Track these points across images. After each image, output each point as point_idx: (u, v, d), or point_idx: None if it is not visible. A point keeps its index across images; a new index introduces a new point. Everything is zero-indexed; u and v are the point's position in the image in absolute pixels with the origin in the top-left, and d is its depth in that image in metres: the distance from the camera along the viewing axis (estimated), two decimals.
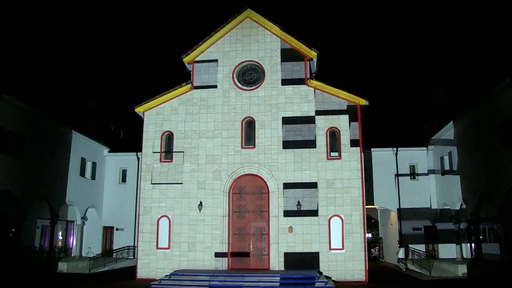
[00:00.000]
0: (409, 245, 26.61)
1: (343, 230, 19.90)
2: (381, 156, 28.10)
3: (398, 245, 26.13)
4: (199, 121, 21.69)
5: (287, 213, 20.28)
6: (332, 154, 20.84)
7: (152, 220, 21.03)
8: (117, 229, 29.07)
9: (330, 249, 19.79)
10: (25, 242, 23.16)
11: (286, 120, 21.16)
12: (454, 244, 25.36)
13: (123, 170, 29.79)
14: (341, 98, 21.19)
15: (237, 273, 18.57)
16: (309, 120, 21.08)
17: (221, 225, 20.55)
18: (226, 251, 20.42)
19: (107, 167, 29.99)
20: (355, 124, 20.89)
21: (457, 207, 24.95)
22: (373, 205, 28.23)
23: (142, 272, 20.59)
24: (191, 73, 22.36)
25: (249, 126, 21.56)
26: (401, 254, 24.78)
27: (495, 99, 20.02)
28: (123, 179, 29.66)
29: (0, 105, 20.14)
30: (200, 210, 20.75)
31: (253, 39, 22.23)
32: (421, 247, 26.53)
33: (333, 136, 21.06)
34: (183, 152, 21.44)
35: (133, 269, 21.36)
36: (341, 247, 19.76)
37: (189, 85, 22.11)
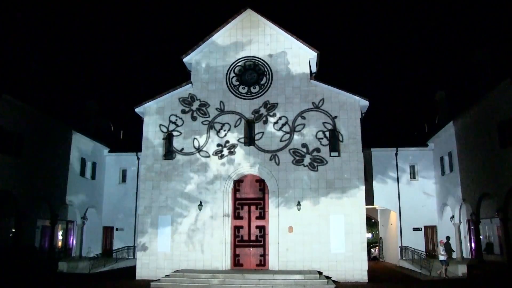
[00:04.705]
0: (408, 245, 26.58)
1: (343, 230, 19.89)
2: (381, 156, 28.08)
3: (444, 243, 21.81)
4: (199, 121, 21.69)
5: (287, 213, 20.30)
6: (332, 154, 20.83)
7: (152, 220, 21.02)
8: (117, 229, 29.05)
9: (330, 249, 19.79)
10: (25, 242, 23.12)
11: (286, 120, 21.19)
12: (454, 244, 25.34)
13: (123, 170, 29.76)
14: (341, 97, 21.20)
15: (237, 273, 18.57)
16: (310, 120, 21.11)
17: (221, 225, 20.54)
18: (226, 251, 20.41)
19: (107, 167, 29.97)
20: (355, 124, 20.89)
21: (457, 207, 24.95)
22: (373, 205, 28.21)
23: (142, 272, 20.57)
24: (191, 72, 22.36)
25: (249, 126, 21.54)
26: (443, 256, 20.81)
27: (495, 99, 20.01)
28: (123, 179, 29.63)
29: (0, 105, 20.15)
30: (200, 210, 20.74)
31: (253, 39, 22.22)
32: (421, 247, 26.49)
33: (333, 136, 21.05)
34: (183, 151, 21.44)
35: (133, 269, 21.34)
36: (341, 247, 19.75)
37: (189, 85, 22.09)
